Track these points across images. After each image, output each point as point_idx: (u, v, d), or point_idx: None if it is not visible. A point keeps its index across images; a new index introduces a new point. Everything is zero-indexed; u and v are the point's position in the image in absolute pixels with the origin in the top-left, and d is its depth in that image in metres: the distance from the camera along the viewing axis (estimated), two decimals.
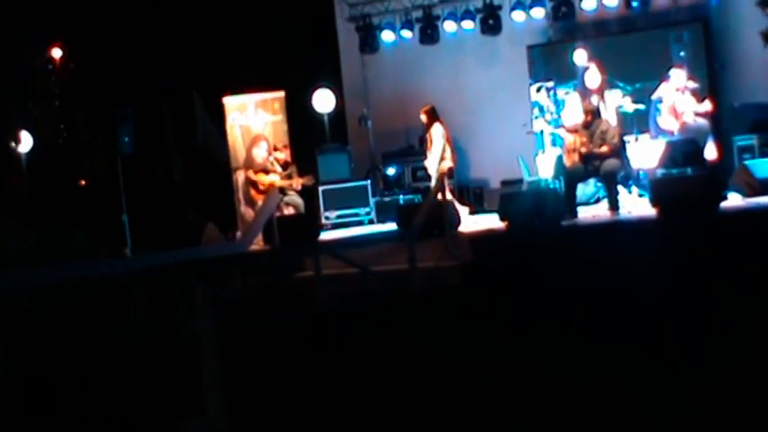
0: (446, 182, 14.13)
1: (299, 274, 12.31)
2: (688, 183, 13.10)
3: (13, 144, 15.76)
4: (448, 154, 14.94)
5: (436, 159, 14.91)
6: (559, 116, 15.94)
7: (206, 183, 17.23)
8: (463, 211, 14.67)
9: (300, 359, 7.69)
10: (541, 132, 16.23)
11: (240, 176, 16.13)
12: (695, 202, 11.93)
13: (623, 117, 15.12)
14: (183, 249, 12.31)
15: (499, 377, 6.43)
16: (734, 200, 13.23)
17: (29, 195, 14.98)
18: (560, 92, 16.28)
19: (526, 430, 5.48)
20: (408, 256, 10.74)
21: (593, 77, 15.45)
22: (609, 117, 14.71)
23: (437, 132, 14.95)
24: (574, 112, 14.92)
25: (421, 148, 17.78)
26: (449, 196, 13.83)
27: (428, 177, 15.29)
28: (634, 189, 14.61)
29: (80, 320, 9.69)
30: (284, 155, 15.90)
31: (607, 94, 15.43)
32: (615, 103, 15.36)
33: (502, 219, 13.27)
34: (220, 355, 6.12)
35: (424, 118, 15.11)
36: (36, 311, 8.77)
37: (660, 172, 14.23)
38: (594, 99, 15.10)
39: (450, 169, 14.92)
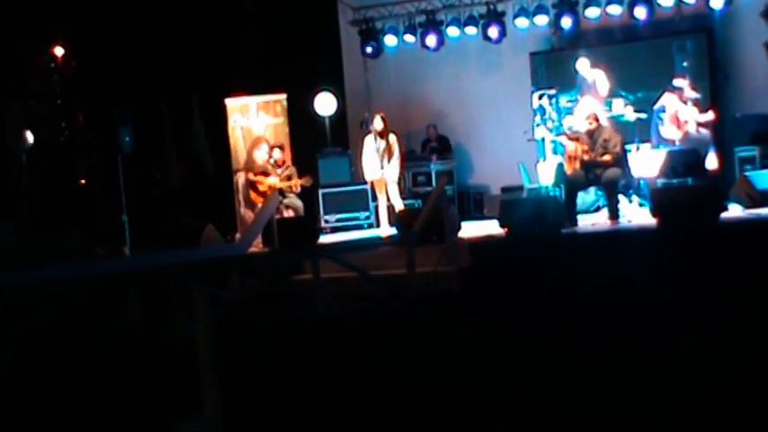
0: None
1: (297, 277, 12.32)
2: (688, 193, 13.12)
3: (18, 142, 15.76)
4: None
5: (396, 166, 15.26)
6: (561, 124, 15.96)
7: (206, 184, 17.23)
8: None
9: (298, 362, 7.68)
10: (543, 140, 16.24)
11: (240, 178, 16.11)
12: (695, 212, 11.94)
13: (625, 126, 15.12)
14: (181, 250, 12.30)
15: (496, 382, 6.43)
16: (734, 211, 13.24)
17: (28, 194, 14.97)
18: (563, 99, 16.30)
19: None
20: (407, 260, 10.75)
21: (603, 84, 15.45)
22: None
23: (394, 140, 15.23)
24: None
25: (422, 154, 17.86)
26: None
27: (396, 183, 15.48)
28: (634, 198, 14.62)
29: (77, 320, 9.68)
30: (280, 154, 15.84)
31: (613, 101, 15.49)
32: (616, 111, 15.41)
33: (502, 225, 13.28)
34: (218, 356, 6.12)
35: (381, 125, 15.15)
36: (32, 311, 8.76)
37: (661, 181, 14.25)
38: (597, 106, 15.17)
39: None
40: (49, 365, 8.52)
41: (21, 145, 16.20)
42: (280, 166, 15.66)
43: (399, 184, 15.51)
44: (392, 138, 15.18)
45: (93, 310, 10.00)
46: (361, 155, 15.56)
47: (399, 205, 15.16)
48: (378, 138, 15.14)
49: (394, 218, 14.71)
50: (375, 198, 16.02)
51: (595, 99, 15.53)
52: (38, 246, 13.23)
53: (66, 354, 8.91)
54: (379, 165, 15.11)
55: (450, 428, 5.69)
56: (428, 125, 18.13)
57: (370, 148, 15.19)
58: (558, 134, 15.68)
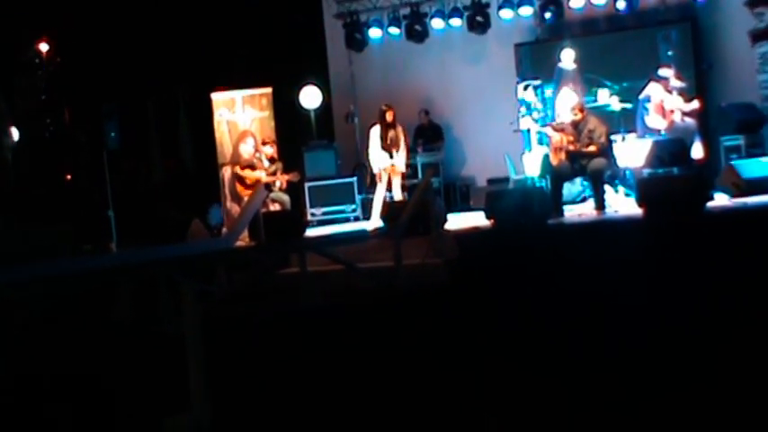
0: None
1: (284, 271, 12.29)
2: (674, 182, 13.13)
3: (2, 139, 15.70)
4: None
5: (404, 157, 15.44)
6: (547, 114, 15.97)
7: (192, 179, 17.21)
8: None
9: (285, 356, 7.67)
10: (528, 131, 16.24)
11: (227, 172, 16.10)
12: (681, 201, 11.95)
13: (611, 116, 15.13)
14: (168, 246, 12.27)
15: (485, 375, 6.43)
16: (720, 200, 13.25)
17: (14, 189, 14.91)
18: (548, 91, 16.32)
19: (512, 430, 5.48)
20: (394, 253, 10.74)
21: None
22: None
23: (400, 130, 15.42)
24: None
25: (416, 142, 17.82)
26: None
27: (401, 174, 15.59)
28: (620, 188, 14.65)
29: (64, 316, 9.65)
30: (272, 150, 15.86)
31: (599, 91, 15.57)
32: (601, 101, 15.46)
33: (488, 217, 13.28)
34: (205, 351, 6.10)
35: (390, 116, 15.21)
36: (19, 307, 8.73)
37: (647, 171, 14.27)
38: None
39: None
40: (37, 362, 8.49)
41: (6, 141, 16.13)
42: (269, 161, 15.64)
43: (404, 175, 15.61)
44: (399, 128, 15.35)
45: (81, 306, 9.97)
46: (367, 147, 15.69)
47: (399, 198, 15.23)
48: (385, 128, 15.22)
49: (381, 211, 14.71)
50: (370, 189, 16.09)
51: (575, 90, 15.52)
52: (23, 242, 13.17)
53: (54, 349, 8.88)
54: (389, 155, 15.21)
55: (439, 425, 5.69)
56: (420, 110, 17.98)
57: (377, 138, 15.27)
58: (543, 125, 15.69)
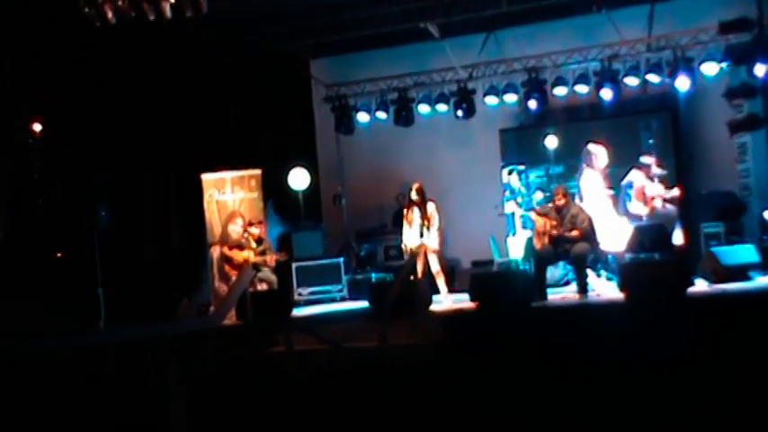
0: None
1: (271, 349, 12.27)
2: (656, 267, 13.20)
3: None
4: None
5: (436, 235, 15.07)
6: (531, 198, 16.08)
7: (181, 258, 17.19)
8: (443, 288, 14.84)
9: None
10: (512, 214, 16.35)
11: (215, 252, 16.13)
12: (663, 286, 12.00)
13: None
14: (157, 324, 12.26)
15: None
16: (701, 285, 13.33)
17: (4, 267, 14.87)
18: (531, 175, 16.48)
19: None
20: (379, 333, 10.74)
21: (603, 158, 15.49)
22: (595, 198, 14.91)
23: (434, 208, 15.08)
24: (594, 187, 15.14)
25: (394, 228, 17.88)
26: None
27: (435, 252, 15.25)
28: (603, 272, 14.70)
29: (51, 391, 9.60)
30: (258, 231, 15.91)
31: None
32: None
33: (473, 299, 13.31)
34: (190, 428, 6.10)
35: (417, 196, 15.10)
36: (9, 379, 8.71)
37: (628, 256, 14.34)
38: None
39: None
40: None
41: None
42: (256, 242, 15.69)
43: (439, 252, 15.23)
44: (430, 206, 15.05)
45: (67, 383, 9.92)
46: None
47: (437, 270, 15.02)
48: (415, 208, 15.15)
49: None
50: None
51: (596, 172, 15.52)
52: (12, 317, 13.14)
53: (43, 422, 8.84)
54: (419, 233, 15.04)
55: None
56: (398, 195, 18.03)
57: (408, 218, 15.21)
58: (527, 209, 15.79)
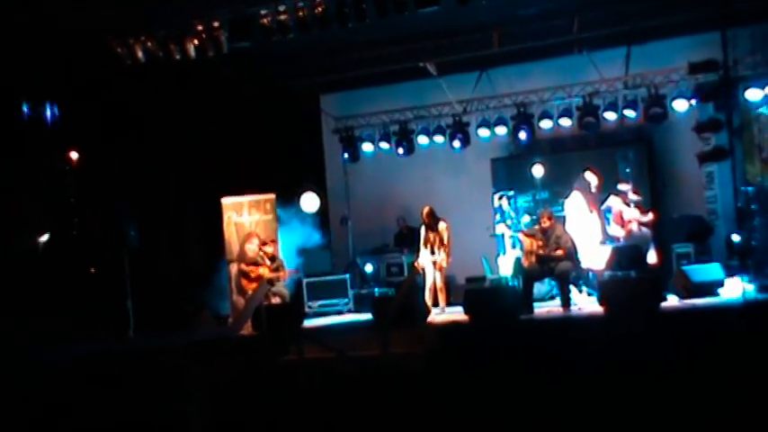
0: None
1: (284, 357, 12.26)
2: (632, 284, 13.21)
3: (32, 243, 15.70)
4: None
5: (446, 254, 15.17)
6: (519, 221, 16.09)
7: (203, 274, 17.21)
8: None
9: None
10: (502, 235, 16.33)
11: (234, 268, 16.18)
12: (638, 301, 12.03)
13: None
14: (180, 333, 12.28)
15: None
16: (672, 301, 13.34)
17: (43, 284, 14.89)
18: (520, 200, 16.53)
19: None
20: (381, 342, 10.74)
21: (593, 183, 15.48)
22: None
23: (444, 227, 15.21)
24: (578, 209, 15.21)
25: (395, 247, 17.92)
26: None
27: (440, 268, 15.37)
28: (584, 288, 14.72)
29: (80, 395, 9.59)
30: (272, 249, 15.96)
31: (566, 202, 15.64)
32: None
33: (466, 312, 13.32)
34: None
35: (428, 218, 15.17)
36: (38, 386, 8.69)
37: (607, 274, 14.34)
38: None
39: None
40: None
41: (35, 245, 16.13)
42: (270, 259, 15.73)
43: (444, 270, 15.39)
44: (441, 226, 15.22)
45: (92, 387, 9.91)
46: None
47: (440, 285, 15.23)
48: (427, 229, 15.23)
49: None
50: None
51: (581, 195, 15.51)
52: (49, 328, 13.16)
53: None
54: (429, 251, 15.17)
55: None
56: (398, 218, 18.33)
57: (421, 238, 15.31)
58: (515, 231, 15.80)
